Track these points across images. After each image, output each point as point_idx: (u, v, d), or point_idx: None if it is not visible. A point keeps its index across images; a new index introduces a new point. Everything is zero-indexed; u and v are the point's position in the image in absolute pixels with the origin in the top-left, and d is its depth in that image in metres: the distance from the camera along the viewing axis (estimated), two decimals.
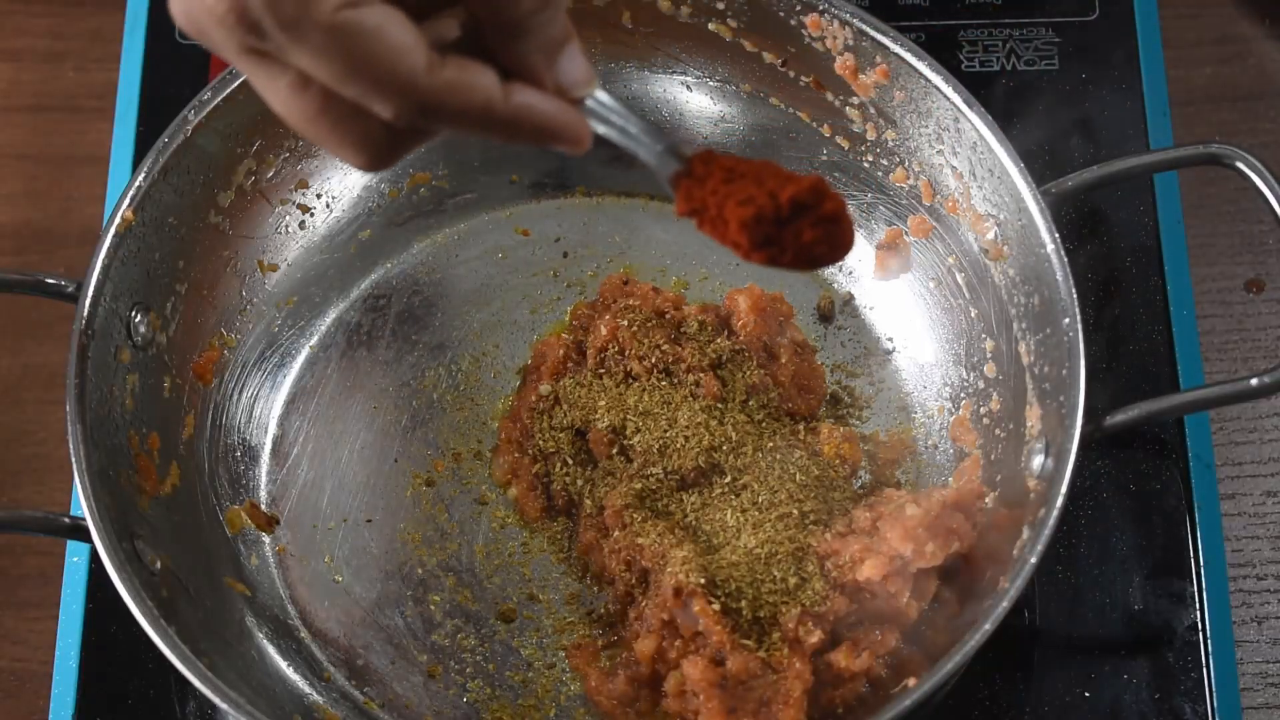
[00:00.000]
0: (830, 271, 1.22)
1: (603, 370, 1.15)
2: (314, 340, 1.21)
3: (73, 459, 1.02)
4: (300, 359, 1.20)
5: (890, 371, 1.19)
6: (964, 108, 1.10)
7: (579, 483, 1.13)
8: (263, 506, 1.15)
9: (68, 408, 1.03)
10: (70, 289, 1.06)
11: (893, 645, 1.04)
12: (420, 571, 1.13)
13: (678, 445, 1.11)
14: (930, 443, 1.16)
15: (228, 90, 1.11)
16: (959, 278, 1.15)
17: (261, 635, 1.10)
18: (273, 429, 1.18)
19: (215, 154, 1.13)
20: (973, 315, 1.15)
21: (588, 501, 1.12)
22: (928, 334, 1.18)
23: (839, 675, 1.03)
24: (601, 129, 0.83)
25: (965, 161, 1.12)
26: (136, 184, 1.09)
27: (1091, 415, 1.02)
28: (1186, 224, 1.24)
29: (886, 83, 1.13)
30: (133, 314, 1.09)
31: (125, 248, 1.08)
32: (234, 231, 1.17)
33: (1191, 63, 1.34)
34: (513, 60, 0.80)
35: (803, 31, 1.15)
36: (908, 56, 1.11)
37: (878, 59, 1.13)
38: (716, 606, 1.03)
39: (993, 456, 1.11)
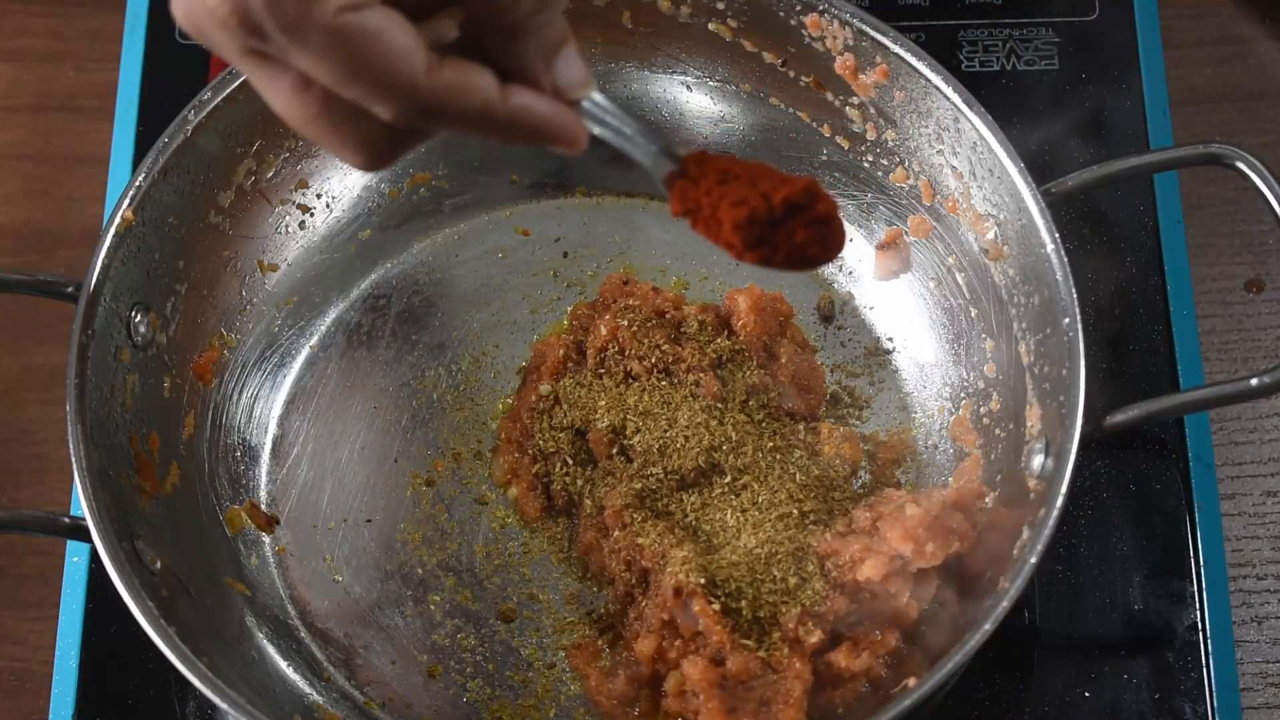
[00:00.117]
0: (830, 271, 1.22)
1: (603, 370, 1.15)
2: (314, 340, 1.21)
3: (73, 459, 1.02)
4: (300, 359, 1.20)
5: (890, 371, 1.19)
6: (964, 108, 1.10)
7: (579, 483, 1.13)
8: (263, 506, 1.15)
9: (68, 408, 1.03)
10: (70, 289, 1.06)
11: (893, 645, 1.04)
12: (420, 571, 1.13)
13: (678, 445, 1.11)
14: (930, 443, 1.16)
15: (228, 90, 1.11)
16: (959, 278, 1.15)
17: (261, 635, 1.10)
18: (273, 429, 1.18)
19: (215, 154, 1.13)
20: (973, 315, 1.15)
21: (588, 501, 1.12)
22: (928, 334, 1.18)
23: (839, 675, 1.03)
24: (597, 130, 0.84)
25: (965, 161, 1.12)
26: (136, 184, 1.09)
27: (1091, 415, 1.02)
28: (1186, 224, 1.24)
29: (886, 83, 1.13)
30: (133, 314, 1.09)
31: (125, 248, 1.08)
32: (234, 231, 1.17)
33: (1191, 63, 1.34)
34: (511, 62, 0.80)
35: (803, 31, 1.15)
36: (908, 56, 1.11)
37: (878, 59, 1.13)
38: (716, 606, 1.03)
39: (993, 456, 1.11)
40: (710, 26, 1.18)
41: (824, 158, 1.21)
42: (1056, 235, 1.06)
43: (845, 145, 1.19)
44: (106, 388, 1.06)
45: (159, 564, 1.04)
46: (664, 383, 1.13)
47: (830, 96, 1.17)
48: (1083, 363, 1.02)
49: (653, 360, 1.14)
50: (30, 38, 1.37)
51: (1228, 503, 1.18)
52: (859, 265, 1.22)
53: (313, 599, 1.13)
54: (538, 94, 0.81)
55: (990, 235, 1.12)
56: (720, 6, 1.16)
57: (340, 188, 1.22)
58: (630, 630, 1.07)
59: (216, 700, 0.96)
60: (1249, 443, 1.21)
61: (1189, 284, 1.22)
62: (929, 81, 1.11)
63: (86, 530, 1.00)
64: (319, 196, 1.21)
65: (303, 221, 1.21)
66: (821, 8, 1.13)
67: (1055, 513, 0.99)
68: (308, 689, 1.09)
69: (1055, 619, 1.13)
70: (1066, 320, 1.04)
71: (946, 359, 1.17)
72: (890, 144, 1.16)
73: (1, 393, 1.25)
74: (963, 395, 1.15)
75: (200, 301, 1.15)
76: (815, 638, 1.03)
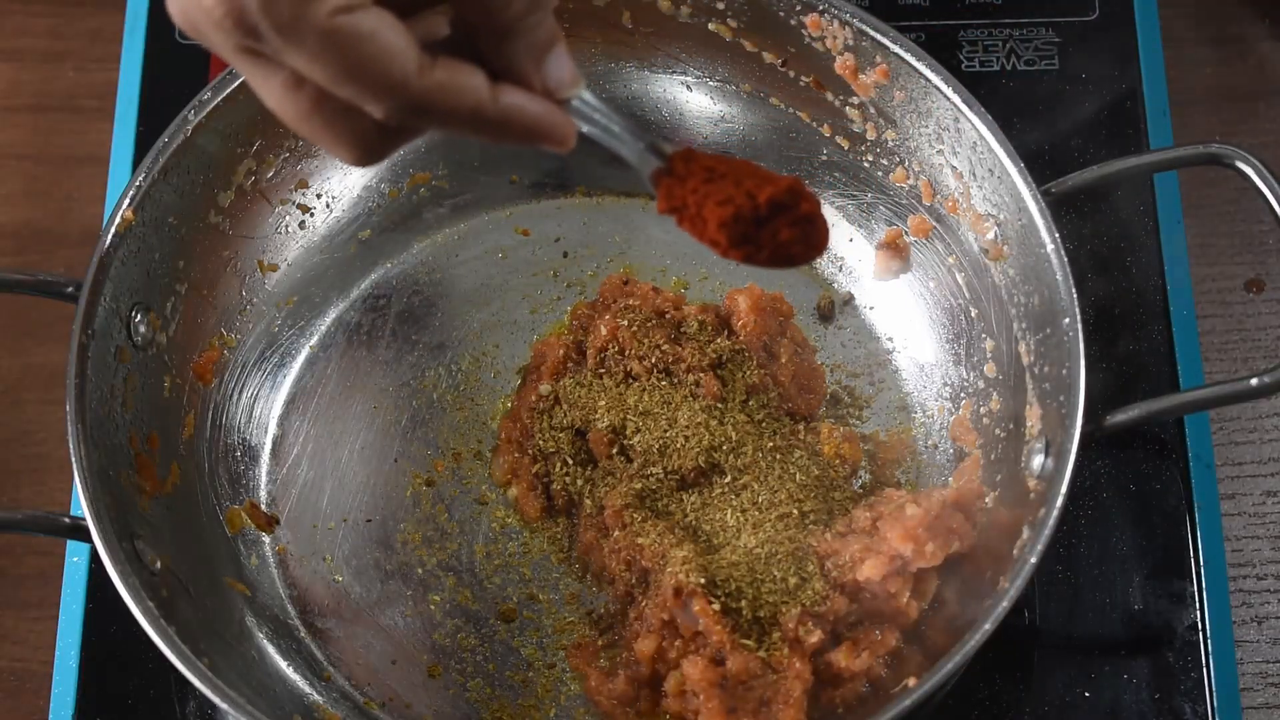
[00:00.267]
0: (830, 271, 1.22)
1: (603, 370, 1.15)
2: (314, 340, 1.21)
3: (73, 459, 1.02)
4: (300, 359, 1.20)
5: (890, 371, 1.19)
6: (964, 108, 1.10)
7: (579, 483, 1.13)
8: (263, 506, 1.15)
9: (68, 408, 1.03)
10: (70, 289, 1.06)
11: (893, 645, 1.04)
12: (420, 571, 1.13)
13: (678, 445, 1.11)
14: (930, 443, 1.16)
15: (228, 90, 1.11)
16: (959, 278, 1.15)
17: (261, 635, 1.10)
18: (273, 429, 1.18)
19: (215, 154, 1.13)
20: (973, 315, 1.15)
21: (588, 501, 1.12)
22: (928, 334, 1.18)
23: (839, 675, 1.03)
24: (586, 128, 0.85)
25: (965, 161, 1.12)
26: (136, 184, 1.09)
27: (1091, 415, 1.02)
28: (1186, 224, 1.24)
29: (886, 83, 1.13)
30: (133, 314, 1.09)
31: (125, 248, 1.08)
32: (234, 231, 1.17)
33: (1191, 63, 1.34)
34: (501, 62, 0.82)
35: (803, 31, 1.15)
36: (908, 56, 1.11)
37: (878, 59, 1.13)
38: (716, 606, 1.03)
39: (993, 456, 1.11)
40: (710, 26, 1.18)
41: (824, 158, 1.21)
42: (1056, 235, 1.06)
43: (845, 145, 1.19)
44: (106, 388, 1.06)
45: (159, 564, 1.04)
46: (664, 383, 1.13)
47: (830, 96, 1.17)
48: (1083, 363, 1.02)
49: (653, 360, 1.14)
50: (30, 38, 1.38)
51: (1228, 503, 1.18)
52: (859, 265, 1.22)
53: (313, 599, 1.13)
54: (528, 93, 0.82)
55: (990, 235, 1.12)
56: (720, 6, 1.16)
57: (340, 188, 1.22)
58: (630, 630, 1.07)
59: (216, 700, 0.96)
60: (1249, 443, 1.21)
61: (1189, 284, 1.22)
62: (929, 81, 1.11)
63: (86, 530, 1.00)
64: (319, 196, 1.21)
65: (303, 221, 1.21)
66: (821, 8, 1.13)
67: (1055, 513, 0.99)
68: (308, 689, 1.09)
69: (1055, 619, 1.13)
70: (1066, 320, 1.04)
71: (946, 359, 1.17)
72: (890, 144, 1.16)
73: (1, 393, 1.25)
74: (963, 395, 1.15)
75: (200, 301, 1.15)
76: (815, 638, 1.03)
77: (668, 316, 1.16)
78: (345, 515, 1.15)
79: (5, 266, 1.28)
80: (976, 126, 1.09)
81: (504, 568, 1.13)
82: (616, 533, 1.09)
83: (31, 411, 1.24)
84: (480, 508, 1.15)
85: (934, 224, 1.17)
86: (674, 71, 1.22)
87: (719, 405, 1.12)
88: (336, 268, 1.22)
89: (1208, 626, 1.12)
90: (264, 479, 1.17)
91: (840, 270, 1.22)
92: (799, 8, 1.14)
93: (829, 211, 1.21)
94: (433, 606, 1.12)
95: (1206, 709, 1.10)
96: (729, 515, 1.09)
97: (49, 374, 1.25)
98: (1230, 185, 1.26)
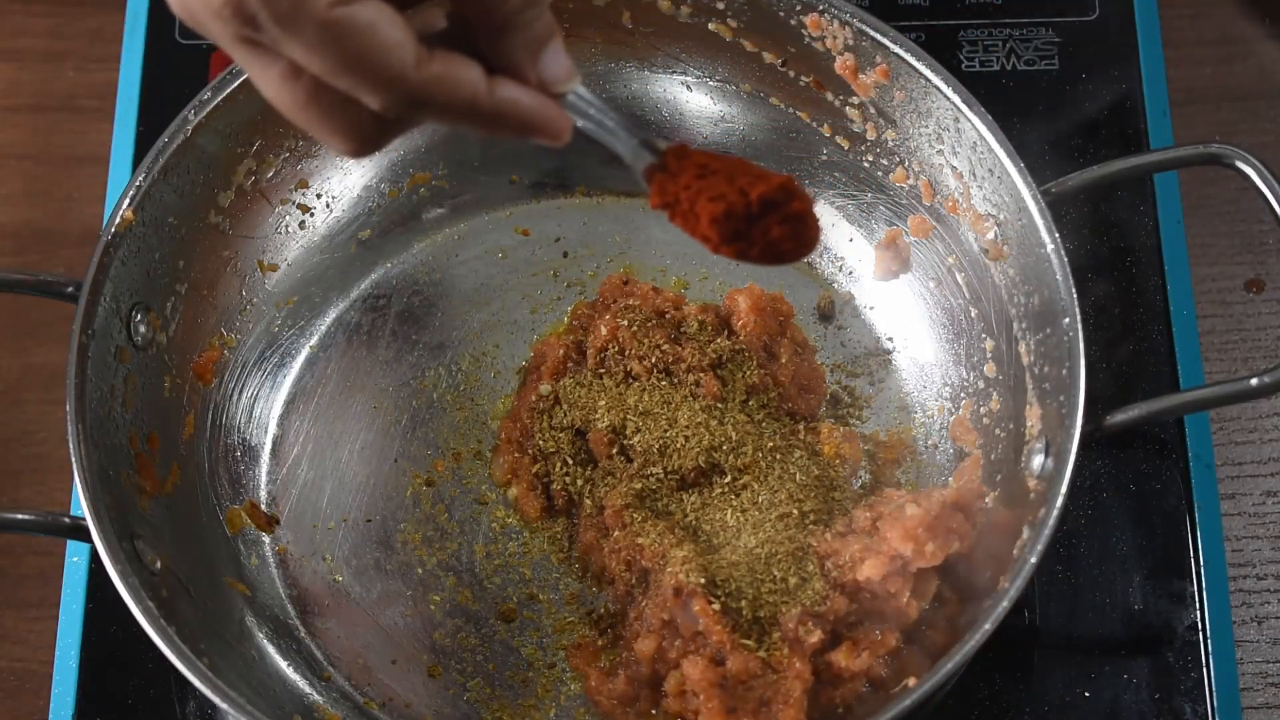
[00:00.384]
0: (830, 271, 1.22)
1: (603, 370, 1.15)
2: (314, 340, 1.21)
3: (73, 459, 1.02)
4: (300, 359, 1.20)
5: (890, 371, 1.19)
6: (964, 108, 1.10)
7: (579, 483, 1.13)
8: (263, 506, 1.15)
9: (68, 408, 1.03)
10: (70, 289, 1.06)
11: (893, 645, 1.04)
12: (420, 571, 1.13)
13: (678, 445, 1.11)
14: (930, 443, 1.16)
15: (228, 90, 1.11)
16: (959, 278, 1.15)
17: (261, 635, 1.10)
18: (273, 429, 1.18)
19: (215, 154, 1.13)
20: (973, 315, 1.15)
21: (588, 501, 1.12)
22: (928, 334, 1.18)
23: (839, 675, 1.03)
24: (580, 123, 0.85)
25: (965, 161, 1.12)
26: (136, 184, 1.09)
27: (1091, 415, 1.02)
28: (1186, 224, 1.24)
29: (886, 83, 1.13)
30: (133, 314, 1.09)
31: (125, 248, 1.08)
32: (234, 231, 1.17)
33: (1191, 63, 1.34)
34: (498, 56, 0.82)
35: (803, 31, 1.15)
36: (908, 56, 1.11)
37: (878, 59, 1.13)
38: (716, 606, 1.03)
39: (993, 456, 1.11)
40: (710, 26, 1.18)
41: (824, 158, 1.21)
42: (1056, 235, 1.06)
43: (845, 145, 1.19)
44: (106, 388, 1.06)
45: (159, 564, 1.04)
46: (664, 383, 1.13)
47: (830, 96, 1.17)
48: (1083, 363, 1.02)
49: (653, 360, 1.14)
50: (30, 38, 1.38)
51: (1228, 503, 1.18)
52: (859, 265, 1.22)
53: (313, 599, 1.13)
54: (524, 87, 0.83)
55: (990, 235, 1.12)
56: (720, 6, 1.16)
57: (340, 188, 1.22)
58: (630, 630, 1.07)
59: (216, 700, 0.96)
60: (1249, 443, 1.21)
61: (1189, 284, 1.22)
62: (929, 81, 1.11)
63: (86, 530, 1.00)
64: (319, 196, 1.21)
65: (303, 221, 1.21)
66: (821, 8, 1.13)
67: (1055, 513, 0.98)
68: (308, 689, 1.09)
69: (1055, 619, 1.13)
70: (1066, 320, 1.04)
71: (946, 359, 1.17)
72: (890, 144, 1.16)
73: (1, 393, 1.25)
74: (963, 395, 1.15)
75: (200, 301, 1.15)
76: (815, 638, 1.03)
77: (668, 316, 1.16)
78: (345, 515, 1.15)
79: (5, 266, 1.28)
80: (976, 126, 1.09)
81: (504, 568, 1.13)
82: (616, 533, 1.09)
83: (31, 411, 1.24)
84: (480, 508, 1.15)
85: (934, 224, 1.17)
86: (674, 71, 1.22)
87: (719, 405, 1.12)
88: (336, 268, 1.22)
89: (1208, 626, 1.12)
90: (264, 479, 1.17)
91: (840, 270, 1.22)
92: (799, 8, 1.14)
93: (829, 211, 1.21)
94: (433, 606, 1.12)
95: (1206, 709, 1.10)
96: (729, 515, 1.09)
97: (49, 374, 1.25)
98: (1230, 185, 1.26)
